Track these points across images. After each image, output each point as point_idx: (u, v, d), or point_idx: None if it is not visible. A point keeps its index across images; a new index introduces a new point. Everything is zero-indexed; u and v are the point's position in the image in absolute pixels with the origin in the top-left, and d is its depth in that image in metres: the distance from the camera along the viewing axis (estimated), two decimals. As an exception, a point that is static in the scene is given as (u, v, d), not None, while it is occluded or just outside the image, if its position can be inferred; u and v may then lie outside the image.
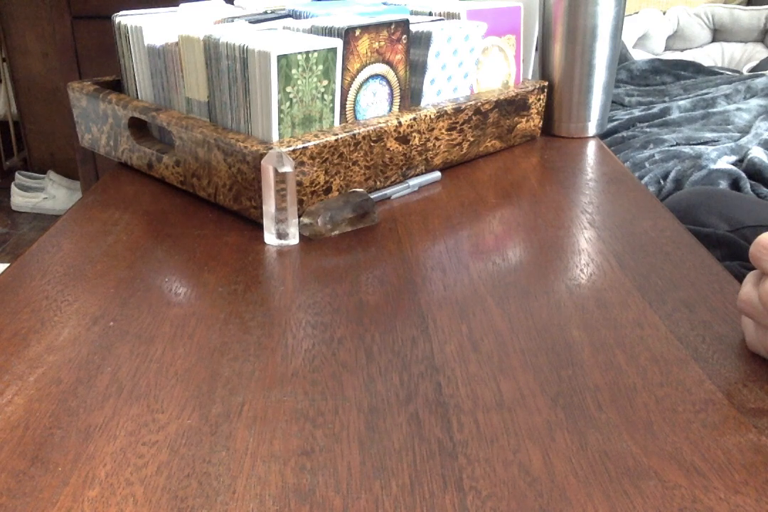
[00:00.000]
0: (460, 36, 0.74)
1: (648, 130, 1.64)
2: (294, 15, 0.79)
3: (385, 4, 0.85)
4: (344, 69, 0.66)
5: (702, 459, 0.37)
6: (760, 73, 1.94)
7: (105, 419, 0.40)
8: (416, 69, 0.74)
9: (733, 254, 0.70)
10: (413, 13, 0.82)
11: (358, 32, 0.65)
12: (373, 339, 0.48)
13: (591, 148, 0.89)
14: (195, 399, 0.42)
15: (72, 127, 0.94)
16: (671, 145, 1.52)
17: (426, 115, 0.72)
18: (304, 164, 0.63)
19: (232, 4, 0.87)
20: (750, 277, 0.44)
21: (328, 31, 0.66)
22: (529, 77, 0.92)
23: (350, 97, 0.68)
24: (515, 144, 0.87)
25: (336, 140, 0.64)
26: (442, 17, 0.80)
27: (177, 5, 0.79)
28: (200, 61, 0.66)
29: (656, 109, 1.74)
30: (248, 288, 0.54)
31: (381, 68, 0.69)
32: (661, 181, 1.39)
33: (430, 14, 0.82)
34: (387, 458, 0.37)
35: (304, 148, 0.62)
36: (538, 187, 0.75)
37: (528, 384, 0.43)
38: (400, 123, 0.70)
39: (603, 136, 1.02)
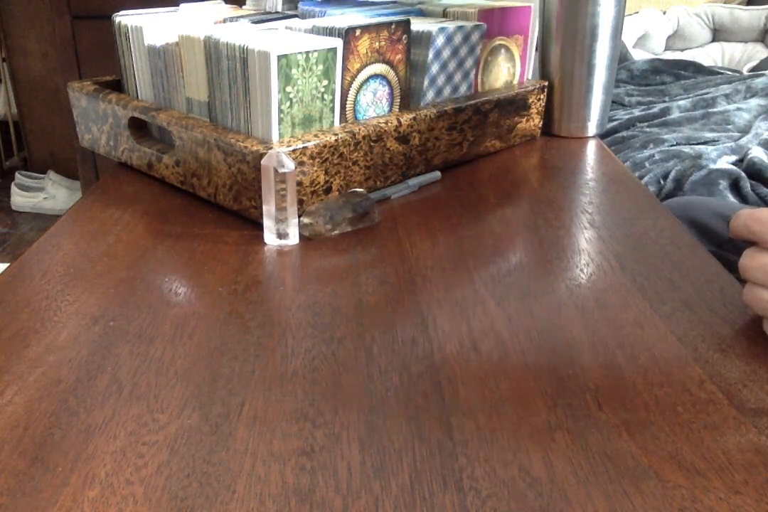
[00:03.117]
0: (461, 36, 0.74)
1: (648, 129, 1.64)
2: (303, 15, 0.79)
3: (395, 2, 0.86)
4: (344, 69, 0.66)
5: (702, 459, 0.37)
6: (760, 73, 1.94)
7: (105, 419, 0.40)
8: (416, 69, 0.74)
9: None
10: (426, 13, 0.82)
11: (358, 32, 0.65)
12: (373, 339, 0.48)
13: (591, 148, 0.89)
14: (195, 399, 0.42)
15: (72, 127, 0.94)
16: (671, 145, 1.52)
17: (426, 115, 0.72)
18: (304, 164, 0.63)
19: (241, 6, 0.87)
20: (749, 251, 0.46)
21: (329, 31, 0.66)
22: (529, 77, 0.92)
23: (350, 97, 0.68)
24: (515, 144, 0.87)
25: (336, 140, 0.64)
26: (453, 18, 0.80)
27: (177, 5, 0.79)
28: (200, 61, 0.66)
29: (656, 108, 1.74)
30: (248, 288, 0.54)
31: (381, 68, 0.69)
32: (661, 181, 1.39)
33: (445, 15, 0.82)
34: (387, 458, 0.37)
35: (304, 148, 0.62)
36: (538, 187, 0.75)
37: (528, 384, 0.43)
38: (400, 123, 0.70)
39: (603, 136, 1.02)
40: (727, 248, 0.88)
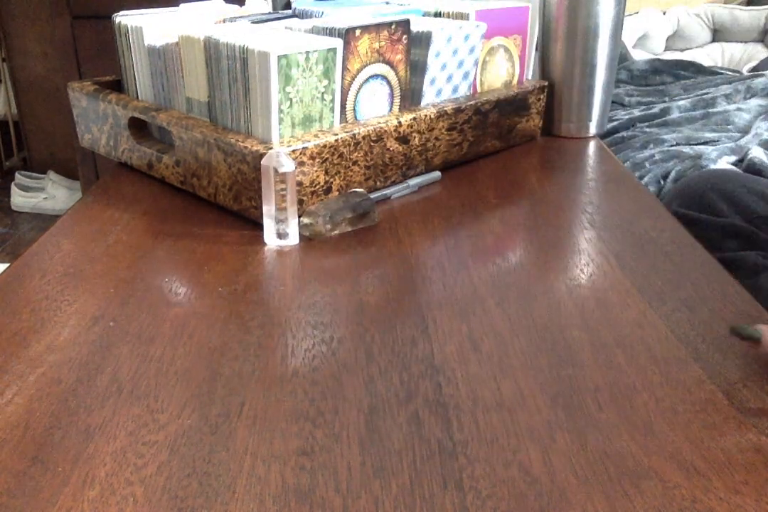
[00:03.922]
0: (460, 36, 0.74)
1: (648, 130, 1.64)
2: (302, 15, 0.79)
3: (387, 3, 0.86)
4: (344, 69, 0.66)
5: (702, 459, 0.37)
6: (760, 73, 1.94)
7: (105, 419, 0.40)
8: (416, 69, 0.74)
9: (751, 244, 0.70)
10: (426, 13, 0.82)
11: (358, 32, 0.65)
12: (373, 339, 0.48)
13: (591, 148, 0.89)
14: (195, 399, 0.42)
15: (72, 127, 0.94)
16: (671, 145, 1.52)
17: (426, 115, 0.72)
18: (304, 164, 0.63)
19: (242, 5, 0.87)
20: None
21: (329, 31, 0.66)
22: (529, 77, 0.92)
23: (350, 97, 0.68)
24: (515, 144, 0.87)
25: (336, 140, 0.64)
26: (450, 18, 0.80)
27: (177, 5, 0.79)
28: (200, 61, 0.66)
29: (656, 109, 1.74)
30: (248, 288, 0.54)
31: (381, 68, 0.69)
32: (661, 181, 1.39)
33: (439, 15, 0.82)
34: (387, 458, 0.37)
35: (304, 148, 0.62)
36: (538, 187, 0.75)
37: (528, 384, 0.43)
38: (400, 123, 0.70)
39: (603, 136, 1.02)
40: (758, 224, 0.86)
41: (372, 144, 0.68)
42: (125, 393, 0.42)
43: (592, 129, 0.93)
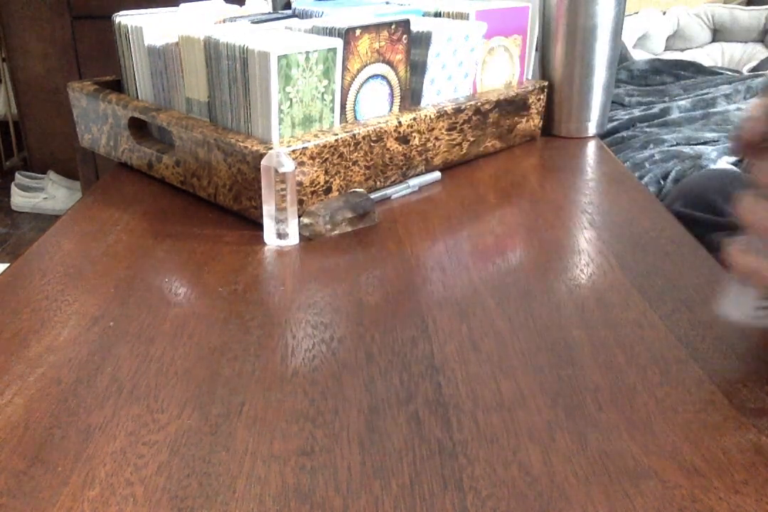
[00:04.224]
0: (460, 36, 0.74)
1: (648, 130, 1.64)
2: (302, 15, 0.79)
3: (387, 3, 0.86)
4: (344, 69, 0.66)
5: (702, 459, 0.37)
6: (760, 73, 1.94)
7: (105, 419, 0.40)
8: (416, 69, 0.74)
9: None
10: (426, 13, 0.82)
11: (358, 32, 0.65)
12: (373, 339, 0.48)
13: (591, 148, 0.89)
14: (195, 399, 0.42)
15: (72, 127, 0.94)
16: (671, 145, 1.52)
17: (426, 115, 0.72)
18: (304, 164, 0.63)
19: (242, 5, 0.87)
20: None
21: (329, 31, 0.66)
22: (529, 77, 0.92)
23: (350, 97, 0.68)
24: (515, 144, 0.87)
25: (336, 140, 0.64)
26: (450, 18, 0.80)
27: (177, 5, 0.79)
28: (200, 61, 0.66)
29: (656, 109, 1.74)
30: (248, 288, 0.54)
31: (381, 68, 0.69)
32: (661, 181, 1.39)
33: (439, 15, 0.82)
34: (387, 458, 0.37)
35: (304, 148, 0.62)
36: (538, 187, 0.75)
37: (528, 384, 0.43)
38: (400, 123, 0.70)
39: (603, 136, 1.02)
40: None
41: (372, 144, 0.68)
42: (125, 393, 0.42)
43: (592, 129, 0.93)
